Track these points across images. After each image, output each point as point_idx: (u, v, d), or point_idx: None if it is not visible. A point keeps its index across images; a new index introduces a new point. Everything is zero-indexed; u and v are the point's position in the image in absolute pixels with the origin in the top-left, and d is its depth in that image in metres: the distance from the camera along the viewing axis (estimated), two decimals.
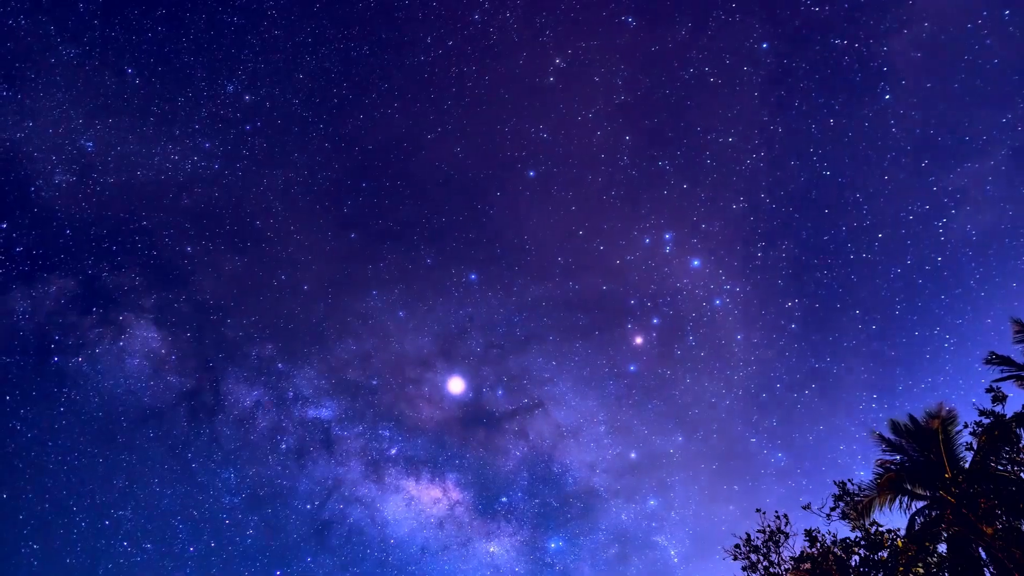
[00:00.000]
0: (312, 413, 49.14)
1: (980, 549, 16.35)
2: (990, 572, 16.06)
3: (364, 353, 49.89)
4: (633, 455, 50.06)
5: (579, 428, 50.51)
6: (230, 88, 44.55)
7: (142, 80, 42.95)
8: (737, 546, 17.63)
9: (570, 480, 50.34)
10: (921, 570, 15.30)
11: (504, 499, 50.12)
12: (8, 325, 42.48)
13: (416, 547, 48.85)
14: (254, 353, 48.34)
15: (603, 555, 49.20)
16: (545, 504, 50.19)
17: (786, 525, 17.40)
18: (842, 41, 41.86)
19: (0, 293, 42.28)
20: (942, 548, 16.87)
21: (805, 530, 16.85)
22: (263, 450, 47.82)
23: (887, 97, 41.75)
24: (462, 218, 49.73)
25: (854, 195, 43.89)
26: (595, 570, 49.14)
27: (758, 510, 17.90)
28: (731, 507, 47.55)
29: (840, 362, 45.84)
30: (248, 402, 47.84)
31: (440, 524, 49.28)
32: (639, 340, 49.12)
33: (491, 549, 49.11)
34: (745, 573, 17.23)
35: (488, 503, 50.32)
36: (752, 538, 17.56)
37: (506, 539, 49.33)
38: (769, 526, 17.48)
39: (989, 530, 15.04)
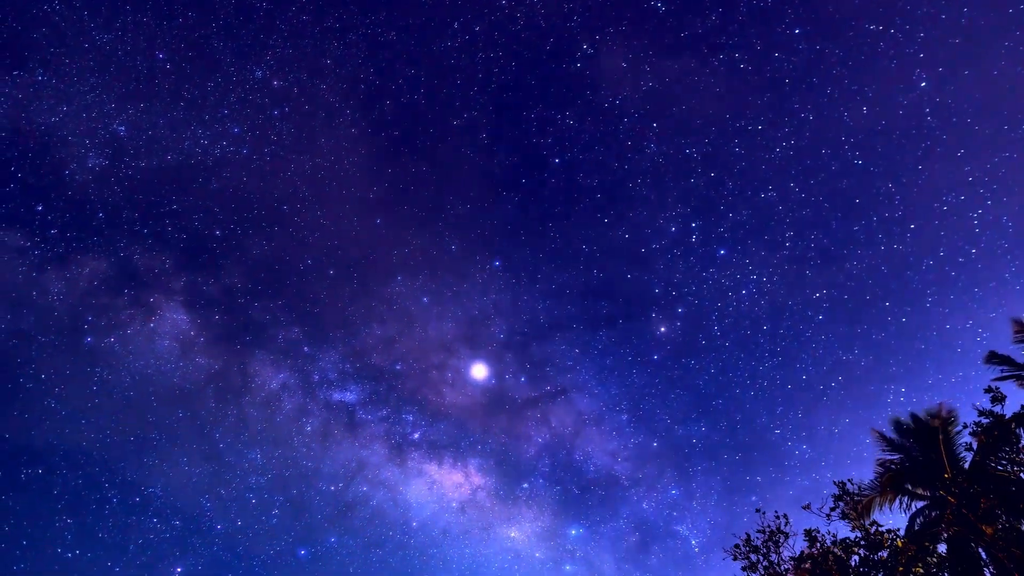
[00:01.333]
0: (337, 396, 50.02)
1: (980, 549, 16.05)
2: (990, 572, 15.84)
3: (388, 338, 50.55)
4: (655, 444, 50.06)
5: (601, 416, 50.64)
6: (258, 74, 44.96)
7: (173, 65, 43.49)
8: (737, 546, 17.57)
9: (591, 468, 50.53)
10: (921, 570, 15.09)
11: (525, 485, 50.53)
12: (43, 305, 43.52)
13: (438, 530, 49.60)
14: (280, 336, 49.24)
15: (624, 543, 49.42)
16: (566, 491, 50.50)
17: (786, 525, 17.40)
18: (877, 27, 40.85)
19: (36, 274, 43.38)
20: (942, 548, 16.67)
21: (805, 530, 16.74)
22: (289, 431, 48.75)
23: (923, 85, 40.69)
24: (487, 204, 49.94)
25: (886, 185, 43.02)
26: (615, 558, 49.36)
27: (758, 510, 17.83)
28: (753, 498, 47.33)
29: (868, 354, 45.16)
30: (274, 384, 48.73)
31: (462, 508, 49.91)
32: (663, 329, 48.93)
33: (512, 534, 49.57)
34: (745, 573, 17.16)
35: (509, 489, 50.77)
36: (752, 538, 17.50)
37: (527, 525, 49.78)
38: (769, 526, 17.43)
39: (989, 530, 14.81)
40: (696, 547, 47.57)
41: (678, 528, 48.71)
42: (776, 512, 17.59)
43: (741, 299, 47.19)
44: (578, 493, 50.30)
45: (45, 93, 41.55)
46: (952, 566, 16.02)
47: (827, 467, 45.06)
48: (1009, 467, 16.46)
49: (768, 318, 47.08)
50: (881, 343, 44.44)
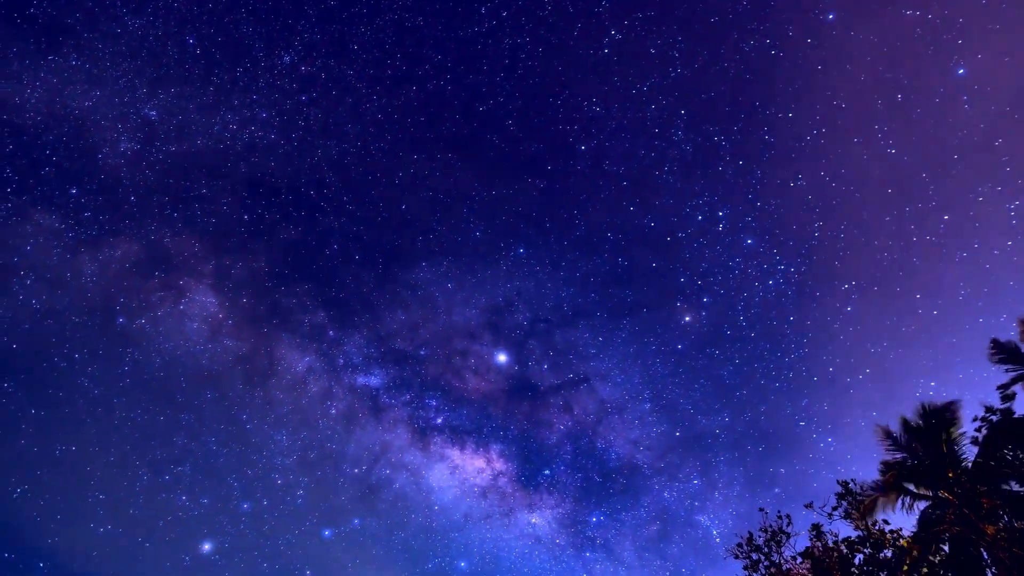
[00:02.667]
0: (361, 380, 50.65)
1: (983, 549, 15.92)
2: (992, 572, 15.62)
3: (412, 323, 50.89)
4: (678, 434, 49.83)
5: (624, 405, 50.42)
6: (287, 59, 45.29)
7: (203, 50, 44.11)
8: (739, 545, 17.60)
9: (613, 456, 50.53)
10: (925, 570, 14.99)
11: (547, 472, 50.78)
12: (77, 287, 44.79)
13: (459, 514, 50.36)
14: (306, 320, 49.87)
15: (644, 531, 49.50)
16: (588, 479, 50.60)
17: (788, 525, 17.51)
18: (914, 12, 39.65)
19: (70, 255, 44.59)
20: (946, 548, 16.55)
21: (812, 524, 16.79)
22: (314, 414, 49.75)
23: (960, 72, 39.39)
24: (512, 191, 49.57)
25: (920, 174, 41.83)
26: (636, 546, 49.50)
27: (760, 509, 17.91)
28: (777, 490, 46.94)
29: (898, 347, 44.06)
30: (300, 367, 49.48)
31: (483, 493, 50.49)
32: (688, 318, 48.37)
33: (533, 520, 50.03)
34: (746, 573, 17.14)
35: (531, 475, 51.12)
36: (754, 537, 17.48)
37: (548, 511, 50.18)
38: (771, 526, 17.42)
39: (991, 529, 14.62)
40: (717, 537, 47.52)
41: (700, 518, 48.73)
42: (779, 512, 17.75)
43: (768, 289, 46.50)
44: (599, 481, 50.52)
45: (78, 78, 42.47)
46: (955, 566, 15.96)
47: (853, 460, 44.47)
48: (1014, 465, 16.22)
49: (795, 309, 46.35)
50: (911, 336, 43.37)
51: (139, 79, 43.44)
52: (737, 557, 17.42)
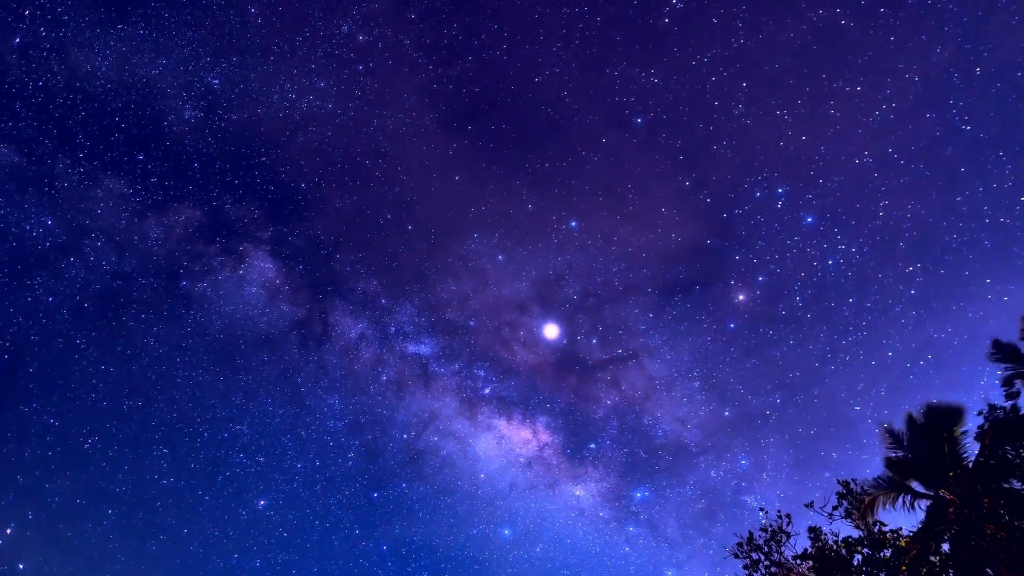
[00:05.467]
0: (412, 348, 51.49)
1: (983, 548, 15.52)
2: (992, 572, 15.27)
3: (463, 294, 51.17)
4: (727, 413, 49.12)
5: (672, 382, 49.82)
6: (345, 29, 45.46)
7: (264, 20, 44.61)
8: (740, 544, 17.42)
9: (660, 433, 50.23)
10: (924, 570, 14.69)
11: (592, 445, 50.92)
12: (144, 250, 46.43)
13: (505, 483, 51.05)
14: (360, 288, 50.69)
15: (689, 509, 49.33)
16: (633, 454, 50.56)
17: (788, 525, 17.48)
18: None
19: (137, 220, 46.26)
20: (947, 547, 16.53)
21: (809, 527, 16.52)
22: (365, 380, 50.83)
23: None
24: (565, 164, 48.69)
25: (996, 153, 39.44)
26: (680, 523, 49.40)
27: (761, 509, 17.78)
28: (827, 474, 46.01)
29: (963, 334, 42.13)
30: (353, 334, 50.61)
31: (528, 464, 51.01)
32: (742, 297, 47.16)
33: (577, 493, 50.43)
34: (747, 572, 16.98)
35: (576, 448, 51.35)
36: (754, 537, 17.30)
37: (592, 484, 50.43)
38: (771, 525, 17.21)
39: (990, 529, 14.17)
40: (764, 519, 46.98)
41: (746, 499, 48.27)
42: (779, 511, 17.69)
43: (827, 270, 44.94)
44: (645, 457, 50.31)
45: (146, 47, 43.31)
46: (955, 566, 15.83)
47: None
48: (1015, 462, 15.90)
49: (855, 290, 44.66)
50: (978, 322, 41.29)
51: (203, 48, 43.92)
52: (737, 557, 17.35)
